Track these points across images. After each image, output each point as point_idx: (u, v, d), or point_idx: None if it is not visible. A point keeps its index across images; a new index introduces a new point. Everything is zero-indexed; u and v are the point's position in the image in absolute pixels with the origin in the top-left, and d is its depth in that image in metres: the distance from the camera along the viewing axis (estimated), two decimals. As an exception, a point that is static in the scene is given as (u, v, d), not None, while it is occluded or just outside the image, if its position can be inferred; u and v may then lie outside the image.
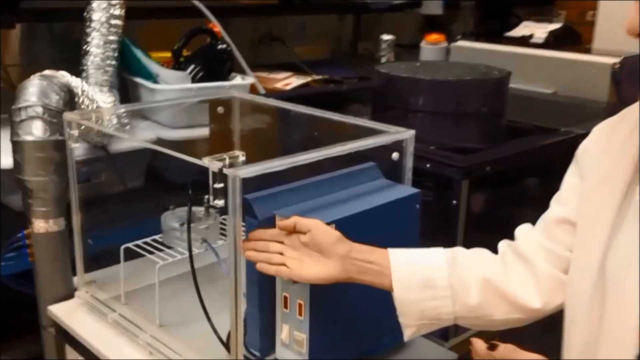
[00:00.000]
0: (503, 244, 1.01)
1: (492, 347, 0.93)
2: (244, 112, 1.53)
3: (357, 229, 1.00)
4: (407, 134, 1.17)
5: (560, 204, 0.95)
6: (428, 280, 0.96)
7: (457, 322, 0.99)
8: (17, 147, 1.32)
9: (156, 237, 1.39)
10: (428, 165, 1.22)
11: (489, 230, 1.14)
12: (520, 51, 2.07)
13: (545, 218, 0.98)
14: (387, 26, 2.73)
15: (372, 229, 1.04)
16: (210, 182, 0.97)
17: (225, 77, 1.94)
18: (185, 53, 1.96)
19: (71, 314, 1.35)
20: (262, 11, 2.38)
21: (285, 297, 1.03)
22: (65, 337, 1.34)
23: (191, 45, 1.98)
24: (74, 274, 1.39)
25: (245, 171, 0.95)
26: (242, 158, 1.00)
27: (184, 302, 1.33)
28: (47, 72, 1.41)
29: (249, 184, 0.97)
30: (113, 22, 1.74)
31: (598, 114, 1.61)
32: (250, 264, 1.01)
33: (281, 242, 0.98)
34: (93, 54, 1.72)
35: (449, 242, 1.13)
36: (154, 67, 1.84)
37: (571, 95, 1.85)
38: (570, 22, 3.16)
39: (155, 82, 1.81)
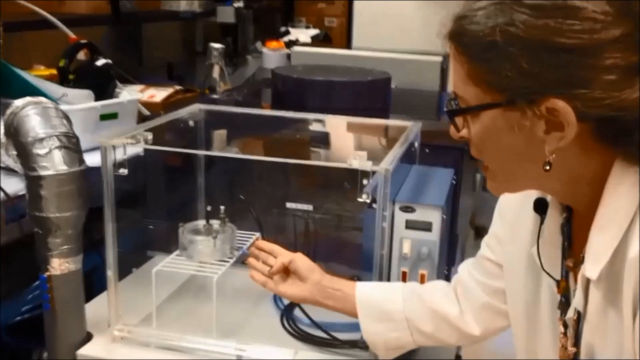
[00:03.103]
0: (453, 278, 1.15)
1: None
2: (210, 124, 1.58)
3: (447, 202, 1.24)
4: (419, 125, 1.43)
5: (488, 247, 1.08)
6: (386, 314, 1.11)
7: (420, 346, 1.14)
8: (37, 182, 1.18)
9: (172, 255, 1.38)
10: (427, 150, 1.48)
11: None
12: (354, 53, 2.41)
13: (478, 256, 1.11)
14: (184, 34, 2.81)
15: (449, 200, 1.28)
16: (360, 181, 1.10)
17: (112, 92, 1.87)
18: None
19: (113, 351, 1.26)
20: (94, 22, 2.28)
21: (404, 272, 1.21)
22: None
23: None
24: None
25: (389, 164, 1.11)
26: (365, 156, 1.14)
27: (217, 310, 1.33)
28: (29, 98, 1.27)
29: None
30: (-7, 41, 1.59)
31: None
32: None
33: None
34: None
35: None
36: (53, 88, 1.70)
37: (414, 89, 2.25)
38: (316, 27, 3.62)
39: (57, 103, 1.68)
